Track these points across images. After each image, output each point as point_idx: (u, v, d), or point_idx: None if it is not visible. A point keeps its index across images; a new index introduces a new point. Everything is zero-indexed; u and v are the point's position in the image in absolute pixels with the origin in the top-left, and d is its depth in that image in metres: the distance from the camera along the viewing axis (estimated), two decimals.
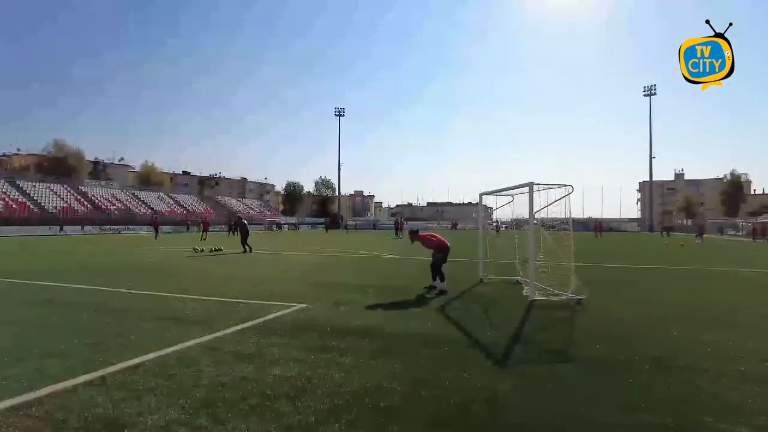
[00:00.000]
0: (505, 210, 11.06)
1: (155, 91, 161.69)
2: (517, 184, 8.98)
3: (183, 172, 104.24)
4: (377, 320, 6.25)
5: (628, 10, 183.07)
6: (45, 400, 3.40)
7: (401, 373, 4.07)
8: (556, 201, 7.79)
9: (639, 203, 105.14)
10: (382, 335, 5.43)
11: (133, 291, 8.69)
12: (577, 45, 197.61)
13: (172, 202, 71.14)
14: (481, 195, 11.26)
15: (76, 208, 54.93)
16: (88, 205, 57.30)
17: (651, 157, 75.78)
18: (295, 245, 26.13)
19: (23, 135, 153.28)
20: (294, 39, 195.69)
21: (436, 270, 9.05)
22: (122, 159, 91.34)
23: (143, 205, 64.90)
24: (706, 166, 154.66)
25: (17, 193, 52.24)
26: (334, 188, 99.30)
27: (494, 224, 21.49)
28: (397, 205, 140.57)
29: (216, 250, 19.29)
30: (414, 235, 9.73)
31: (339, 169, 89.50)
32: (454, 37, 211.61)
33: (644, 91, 73.37)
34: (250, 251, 18.96)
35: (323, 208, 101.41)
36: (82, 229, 48.11)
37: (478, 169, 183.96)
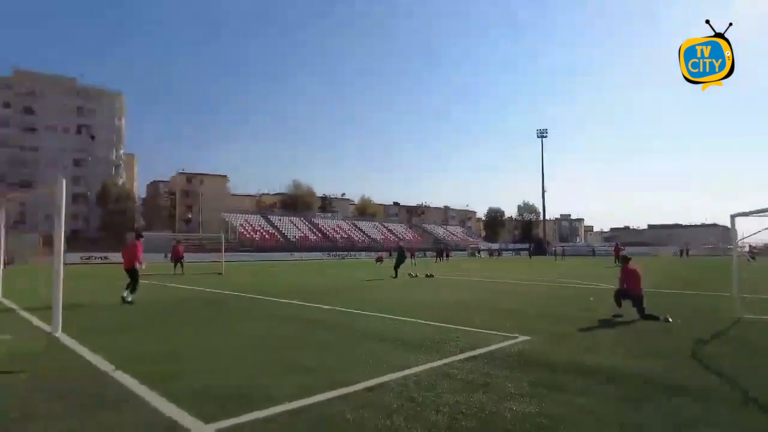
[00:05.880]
0: (760, 235, 9.12)
1: (372, 133, 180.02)
2: None
3: (393, 203, 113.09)
4: (611, 359, 5.67)
5: None
6: (307, 409, 3.91)
7: (657, 427, 3.59)
8: None
9: None
10: (621, 377, 4.88)
11: (361, 312, 9.64)
12: None
13: (385, 230, 77.61)
14: (732, 217, 9.45)
15: (310, 237, 64.25)
16: (319, 234, 66.38)
17: None
18: (499, 272, 25.75)
19: (272, 177, 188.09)
20: (499, 61, 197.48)
21: (617, 297, 9.03)
22: (344, 194, 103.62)
23: (361, 234, 72.28)
24: None
25: (268, 226, 63.77)
26: (538, 212, 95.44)
27: (748, 250, 17.78)
28: (612, 229, 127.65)
29: (429, 276, 20.27)
30: (624, 261, 9.43)
31: (543, 192, 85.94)
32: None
33: None
34: (395, 276, 19.60)
35: (526, 233, 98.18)
36: (266, 255, 55.62)
37: (715, 188, 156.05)
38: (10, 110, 70.16)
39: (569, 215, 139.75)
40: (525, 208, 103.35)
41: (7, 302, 11.27)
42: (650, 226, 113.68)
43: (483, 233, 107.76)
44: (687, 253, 61.49)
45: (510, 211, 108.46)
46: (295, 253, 55.44)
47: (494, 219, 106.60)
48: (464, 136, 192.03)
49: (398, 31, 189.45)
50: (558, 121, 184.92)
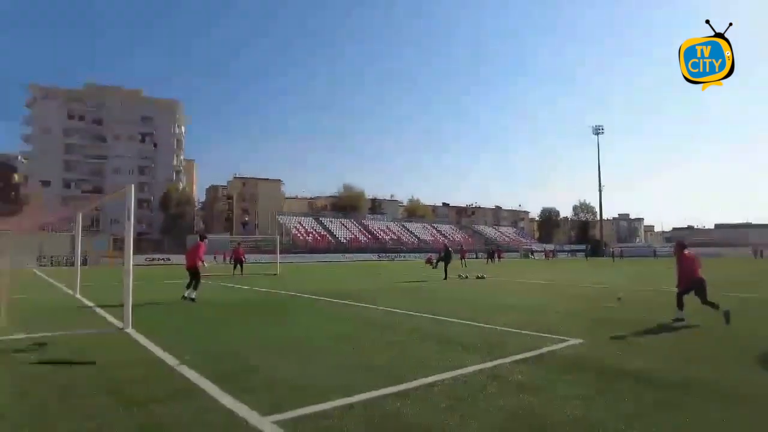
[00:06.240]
0: None
1: (421, 134, 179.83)
2: None
3: (442, 203, 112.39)
4: (667, 364, 5.47)
5: None
6: (360, 405, 4.03)
7: None
8: None
9: None
10: (676, 384, 4.69)
11: (411, 312, 9.72)
12: None
13: (434, 231, 77.25)
14: None
15: (360, 239, 65.01)
16: (369, 236, 67.04)
17: None
18: (553, 274, 25.09)
19: (326, 180, 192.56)
20: (553, 57, 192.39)
21: (679, 298, 8.36)
22: (393, 195, 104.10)
23: (411, 235, 72.34)
24: None
25: (321, 228, 65.13)
26: (595, 212, 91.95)
27: None
28: (674, 229, 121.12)
29: (479, 278, 20.09)
30: (680, 248, 8.83)
31: (600, 190, 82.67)
32: None
33: None
34: (445, 278, 19.76)
35: (583, 234, 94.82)
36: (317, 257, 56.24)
37: None
38: (83, 122, 75.61)
39: (627, 214, 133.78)
40: (581, 207, 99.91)
41: (84, 300, 12.19)
42: (718, 226, 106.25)
43: (537, 234, 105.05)
44: (761, 254, 57.23)
45: (565, 211, 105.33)
46: (347, 254, 56.24)
47: (548, 219, 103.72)
48: (516, 134, 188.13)
49: (444, 33, 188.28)
50: (615, 116, 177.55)
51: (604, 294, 14.07)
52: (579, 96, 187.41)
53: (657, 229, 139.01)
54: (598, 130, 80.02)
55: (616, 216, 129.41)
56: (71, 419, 3.75)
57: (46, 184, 70.31)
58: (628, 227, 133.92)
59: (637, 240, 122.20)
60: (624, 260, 49.84)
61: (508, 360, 5.62)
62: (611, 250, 63.39)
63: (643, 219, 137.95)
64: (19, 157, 77.63)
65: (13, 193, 68.33)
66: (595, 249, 74.19)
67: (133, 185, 8.08)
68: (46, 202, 64.35)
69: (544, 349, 6.21)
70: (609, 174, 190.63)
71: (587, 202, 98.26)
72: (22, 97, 74.39)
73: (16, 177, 75.93)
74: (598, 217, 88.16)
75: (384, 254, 59.77)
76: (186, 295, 11.84)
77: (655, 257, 56.68)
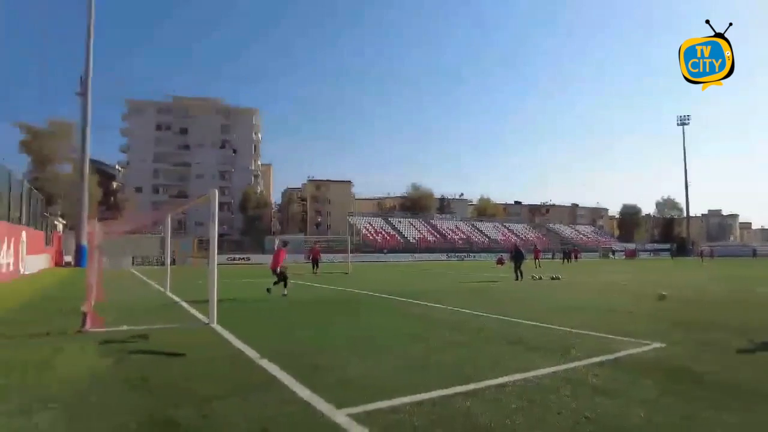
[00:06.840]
0: None
1: (493, 130, 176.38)
2: None
3: (515, 202, 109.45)
4: (754, 373, 5.08)
5: None
6: (430, 402, 4.09)
7: None
8: None
9: None
10: (741, 389, 4.40)
11: (482, 314, 9.64)
12: None
13: (506, 230, 75.51)
14: None
15: (428, 238, 64.97)
16: (437, 236, 66.81)
17: None
18: (635, 275, 23.71)
19: (392, 180, 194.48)
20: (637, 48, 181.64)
21: None
22: (462, 194, 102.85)
23: (481, 234, 71.20)
24: None
25: (389, 228, 65.84)
26: (681, 209, 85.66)
27: None
28: None
29: (554, 278, 19.45)
30: None
31: (686, 185, 76.92)
32: None
33: None
34: (521, 278, 19.29)
35: (668, 232, 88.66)
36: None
37: None
38: (170, 132, 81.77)
39: (719, 210, 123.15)
40: (665, 204, 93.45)
41: (174, 296, 13.21)
42: None
43: (616, 232, 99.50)
44: None
45: (648, 208, 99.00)
46: (415, 254, 56.37)
47: (629, 217, 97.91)
48: (592, 127, 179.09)
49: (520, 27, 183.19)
50: (705, 104, 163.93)
51: (691, 297, 13.16)
52: (661, 83, 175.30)
53: (755, 226, 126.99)
54: (683, 121, 74.47)
55: (706, 212, 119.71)
56: (156, 405, 4.11)
57: (138, 190, 76.70)
58: (719, 224, 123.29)
59: (731, 238, 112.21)
60: (715, 260, 45.96)
61: (583, 363, 5.46)
62: (700, 249, 58.57)
63: (738, 215, 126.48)
64: (117, 166, 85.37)
65: (111, 199, 75.03)
66: (682, 248, 69.22)
67: (216, 190, 8.66)
68: (139, 207, 70.09)
69: (622, 352, 5.96)
70: (697, 167, 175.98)
71: (672, 198, 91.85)
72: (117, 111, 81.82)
73: (114, 184, 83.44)
74: (685, 214, 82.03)
75: (453, 254, 59.25)
76: (270, 287, 13.27)
77: (755, 257, 51.63)
